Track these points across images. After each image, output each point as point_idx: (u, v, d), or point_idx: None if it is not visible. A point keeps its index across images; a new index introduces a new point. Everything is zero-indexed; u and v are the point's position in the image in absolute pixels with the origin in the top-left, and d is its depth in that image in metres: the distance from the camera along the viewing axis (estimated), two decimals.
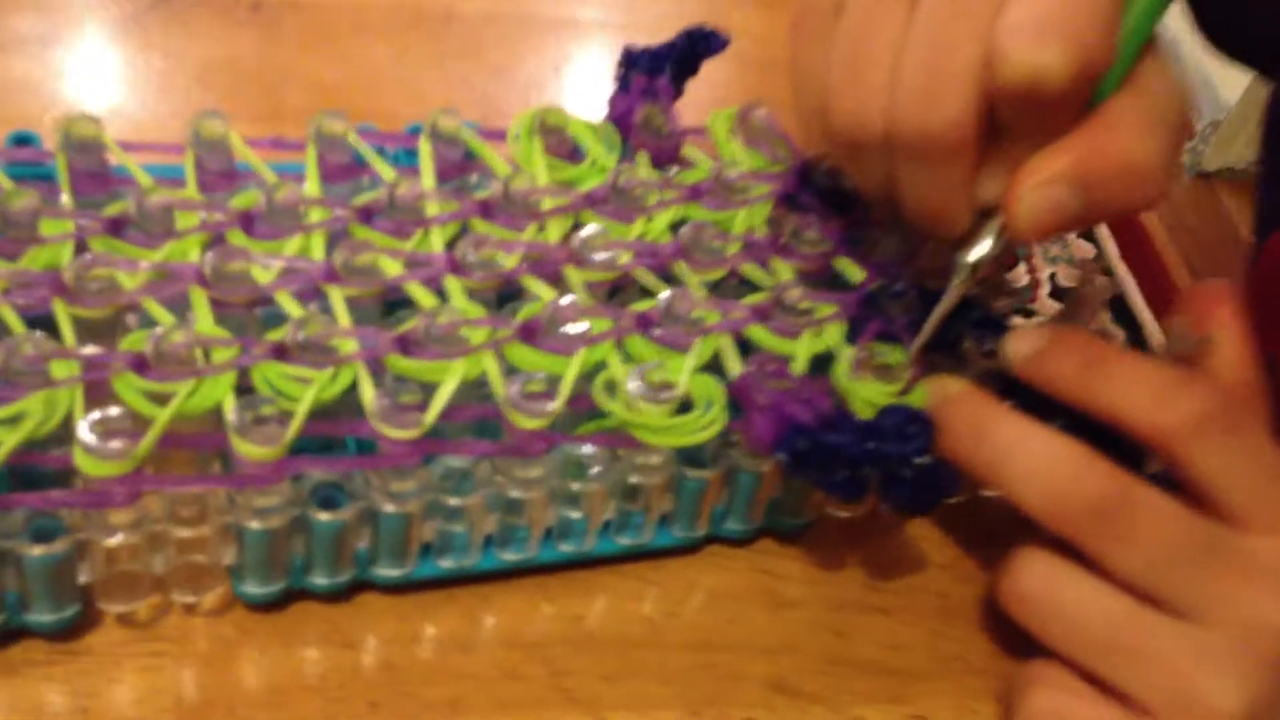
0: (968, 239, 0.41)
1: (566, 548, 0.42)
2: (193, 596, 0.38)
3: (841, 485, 0.39)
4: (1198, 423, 0.38)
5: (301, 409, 0.37)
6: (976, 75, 0.37)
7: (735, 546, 0.44)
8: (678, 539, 0.43)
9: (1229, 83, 1.87)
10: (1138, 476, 0.39)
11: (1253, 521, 0.38)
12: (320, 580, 0.39)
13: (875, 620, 0.43)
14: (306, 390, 0.37)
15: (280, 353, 0.38)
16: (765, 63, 0.46)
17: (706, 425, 0.40)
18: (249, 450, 0.35)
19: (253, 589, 0.38)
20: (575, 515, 0.41)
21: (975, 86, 0.37)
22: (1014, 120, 0.37)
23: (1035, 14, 0.36)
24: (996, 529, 0.43)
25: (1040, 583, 0.40)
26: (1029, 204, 0.38)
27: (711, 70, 0.51)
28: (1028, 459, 0.39)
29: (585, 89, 0.48)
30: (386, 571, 0.40)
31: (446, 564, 0.40)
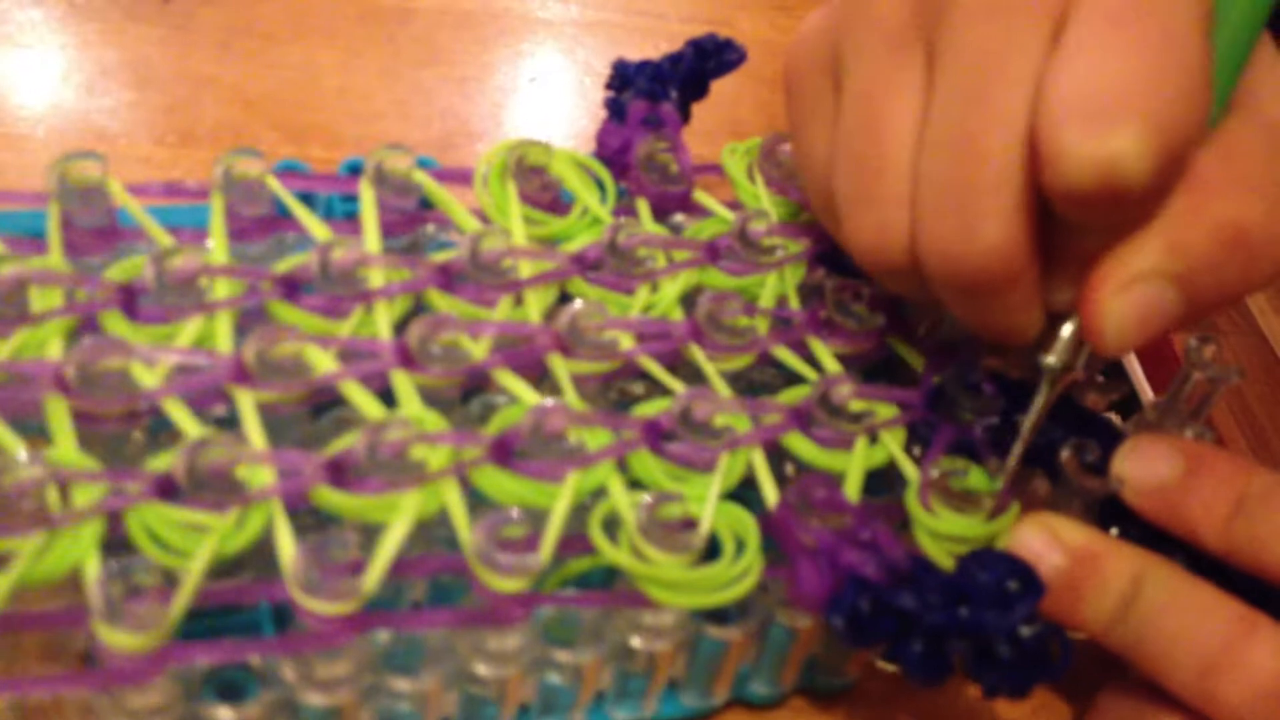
0: (1047, 336, 0.31)
1: None
2: None
3: (917, 660, 0.30)
4: None
5: (194, 573, 0.27)
6: (1020, 179, 0.28)
7: (757, 711, 0.34)
8: (689, 709, 0.34)
9: None
10: None
11: None
12: None
13: None
14: (201, 544, 0.27)
15: (167, 489, 0.28)
16: (780, 79, 0.37)
17: (737, 578, 0.30)
18: (119, 640, 0.25)
19: None
20: (558, 681, 0.31)
21: (1020, 194, 0.28)
22: (1082, 219, 0.28)
23: (1094, 85, 0.26)
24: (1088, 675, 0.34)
25: None
26: (1116, 315, 0.29)
27: (715, 85, 0.41)
28: (1178, 621, 0.30)
29: (567, 104, 0.38)
30: None
31: None
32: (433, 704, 0.30)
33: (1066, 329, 0.31)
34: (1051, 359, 0.31)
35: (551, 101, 0.48)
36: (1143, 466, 0.32)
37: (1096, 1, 0.27)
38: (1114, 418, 0.40)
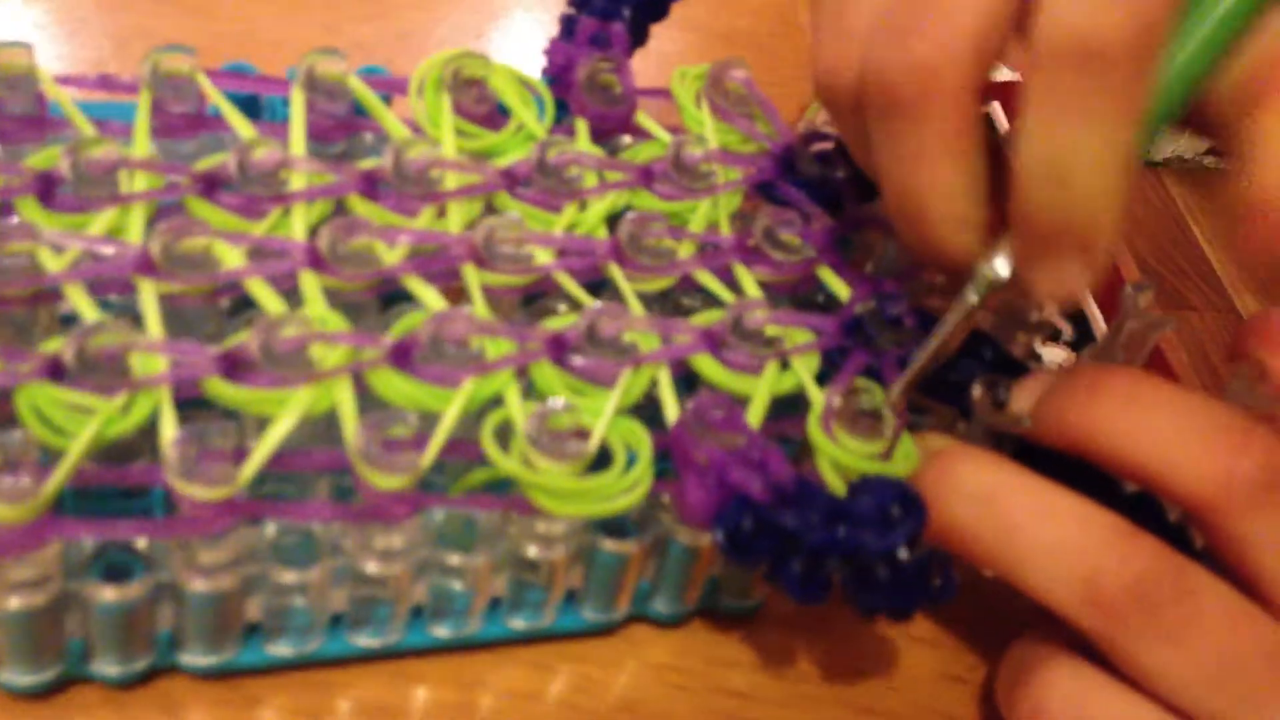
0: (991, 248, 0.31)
1: (442, 631, 0.32)
2: None
3: (795, 580, 0.30)
4: (1258, 487, 0.29)
5: (74, 451, 0.27)
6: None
7: (664, 629, 0.35)
8: (588, 622, 0.34)
9: None
10: (1192, 560, 0.30)
11: None
12: (106, 669, 0.30)
13: None
14: (84, 425, 0.28)
15: (56, 371, 0.28)
16: (730, 34, 0.36)
17: (626, 490, 0.30)
18: None
19: (15, 678, 0.29)
20: (454, 586, 0.32)
21: (981, 16, 0.28)
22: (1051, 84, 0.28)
23: None
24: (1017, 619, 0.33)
25: (1067, 705, 0.31)
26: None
27: (663, 41, 0.41)
28: (1051, 531, 0.30)
29: (518, 60, 0.38)
30: (196, 660, 0.30)
31: (279, 650, 0.31)
32: (320, 600, 0.30)
33: (1001, 263, 0.31)
34: (994, 268, 0.31)
35: (501, 57, 0.48)
36: (1032, 389, 0.32)
37: None
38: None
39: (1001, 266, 0.31)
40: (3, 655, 0.29)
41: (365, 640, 0.32)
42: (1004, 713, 0.32)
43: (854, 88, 0.31)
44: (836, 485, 0.31)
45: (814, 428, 0.32)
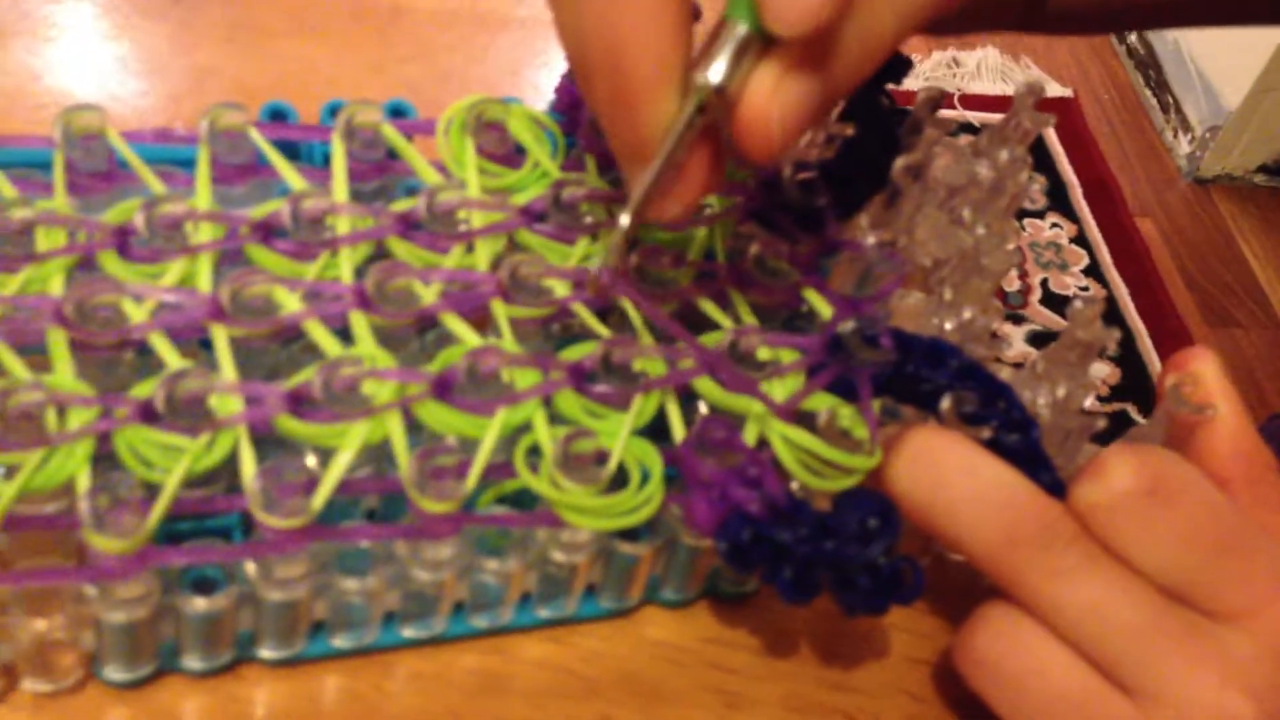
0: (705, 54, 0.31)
1: (480, 622, 0.37)
2: (47, 685, 0.34)
3: (788, 584, 0.34)
4: (1036, 548, 0.35)
5: (169, 488, 0.32)
6: None
7: (673, 610, 0.40)
8: (606, 610, 0.39)
9: (1229, 89, 1.84)
10: None
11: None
12: (194, 664, 0.35)
13: None
14: (176, 463, 0.32)
15: (149, 414, 0.33)
16: None
17: (639, 506, 0.35)
18: (104, 544, 0.30)
19: (115, 674, 0.34)
20: (489, 581, 0.37)
21: None
22: None
23: None
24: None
25: (998, 642, 0.36)
26: (778, 117, 0.30)
27: None
28: (976, 485, 0.35)
29: (547, 95, 0.42)
30: (270, 654, 0.35)
31: (341, 643, 0.36)
32: (377, 601, 0.35)
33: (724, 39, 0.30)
34: (707, 75, 0.31)
35: (533, 93, 0.52)
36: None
37: None
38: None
39: (715, 74, 0.31)
40: (106, 657, 0.34)
41: (413, 631, 0.36)
42: (952, 659, 0.37)
43: None
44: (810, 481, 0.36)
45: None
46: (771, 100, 0.30)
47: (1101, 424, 0.41)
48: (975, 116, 1.75)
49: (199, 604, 0.33)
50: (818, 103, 0.31)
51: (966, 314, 0.42)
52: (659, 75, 0.31)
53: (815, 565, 0.34)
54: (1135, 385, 1.48)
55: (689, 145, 0.32)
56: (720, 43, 0.31)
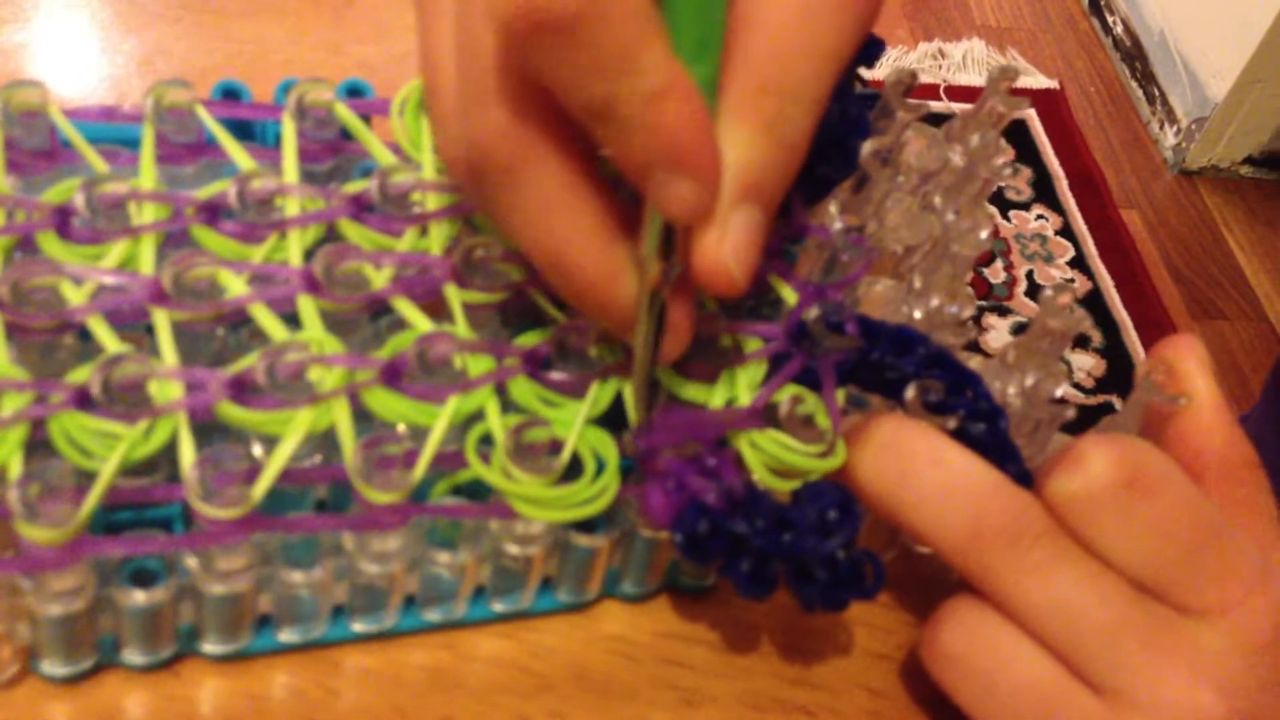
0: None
1: (433, 616, 0.36)
2: None
3: (745, 578, 0.33)
4: (1003, 539, 0.34)
5: (104, 476, 0.30)
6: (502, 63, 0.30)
7: (630, 605, 0.39)
8: (563, 604, 0.38)
9: (1215, 81, 1.83)
10: None
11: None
12: (134, 659, 0.34)
13: None
14: (112, 450, 0.31)
15: (84, 400, 0.31)
16: None
17: (594, 497, 0.34)
18: (35, 534, 0.29)
19: (53, 669, 0.33)
20: (442, 574, 0.36)
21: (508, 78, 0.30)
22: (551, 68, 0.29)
23: None
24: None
25: (965, 637, 0.35)
26: (730, 257, 0.32)
27: None
28: (943, 477, 0.35)
29: None
30: (214, 648, 0.34)
31: (287, 637, 0.35)
32: (323, 595, 0.34)
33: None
34: (646, 250, 0.32)
35: None
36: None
37: None
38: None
39: (656, 249, 0.32)
40: (43, 651, 0.33)
41: (363, 626, 0.35)
42: (919, 654, 0.37)
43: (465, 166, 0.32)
44: (778, 485, 0.35)
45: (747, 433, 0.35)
46: (720, 247, 0.31)
47: (1071, 414, 0.40)
48: (961, 108, 1.74)
49: (138, 597, 0.32)
50: (763, 223, 0.32)
51: (935, 301, 0.41)
52: (606, 271, 0.32)
53: (772, 558, 0.33)
54: (1120, 377, 1.47)
55: (669, 296, 0.33)
56: (652, 216, 0.31)
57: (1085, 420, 0.39)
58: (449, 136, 0.33)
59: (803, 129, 0.31)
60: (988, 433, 0.36)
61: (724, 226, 0.31)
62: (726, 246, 0.31)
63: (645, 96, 0.28)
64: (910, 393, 0.37)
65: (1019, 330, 1.37)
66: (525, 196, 0.31)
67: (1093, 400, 1.43)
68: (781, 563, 0.33)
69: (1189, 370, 0.38)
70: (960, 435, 0.36)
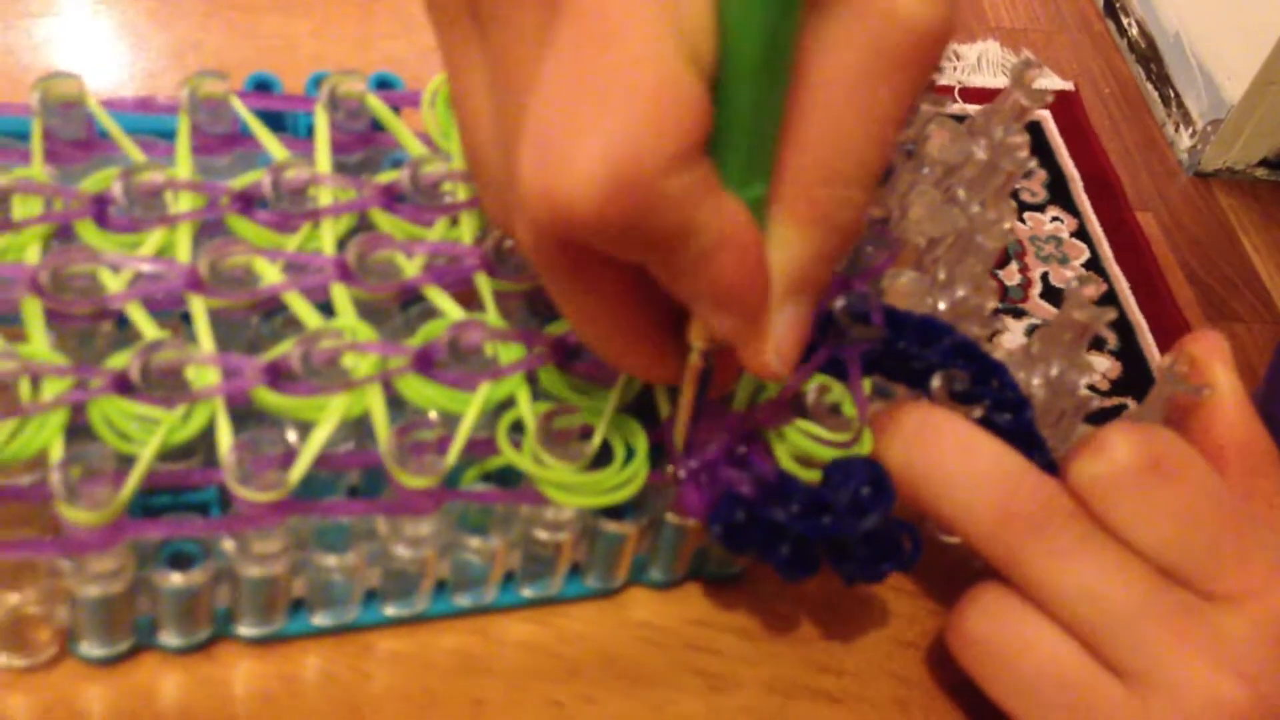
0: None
1: (463, 601, 0.37)
2: (21, 660, 0.33)
3: (784, 562, 0.34)
4: (1030, 525, 0.35)
5: (143, 460, 0.31)
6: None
7: (658, 591, 0.39)
8: (591, 589, 0.38)
9: (1230, 82, 1.83)
10: None
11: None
12: (170, 641, 0.34)
13: (822, 710, 0.37)
14: (151, 435, 0.31)
15: (124, 385, 0.32)
16: None
17: (624, 483, 0.34)
18: (76, 516, 0.30)
19: (91, 650, 0.33)
20: (473, 559, 0.36)
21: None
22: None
23: (540, 124, 0.26)
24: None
25: (991, 622, 0.36)
26: (779, 351, 0.30)
27: None
28: (972, 464, 0.35)
29: None
30: (249, 631, 0.35)
31: (321, 620, 0.35)
32: (357, 579, 0.35)
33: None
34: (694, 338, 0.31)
35: None
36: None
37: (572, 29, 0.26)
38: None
39: (703, 340, 0.31)
40: (81, 632, 0.33)
41: (395, 610, 0.36)
42: (946, 641, 0.37)
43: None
44: (809, 472, 0.35)
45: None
46: (763, 353, 0.30)
47: (1095, 404, 0.40)
48: (976, 109, 1.74)
49: (175, 579, 0.32)
50: (810, 312, 0.30)
51: (960, 293, 0.41)
52: (653, 359, 0.32)
53: (812, 540, 0.34)
54: (1136, 379, 1.47)
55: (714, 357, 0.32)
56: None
57: (1101, 424, 0.39)
58: (492, 206, 0.32)
59: (859, 206, 0.29)
60: (1013, 422, 0.37)
61: (769, 331, 0.30)
62: (769, 348, 0.30)
63: (697, 255, 0.27)
64: (936, 382, 0.37)
65: (1034, 332, 1.37)
66: (572, 289, 0.30)
67: (1109, 403, 1.43)
68: (820, 543, 0.34)
69: (1212, 364, 0.39)
70: (985, 425, 0.36)
